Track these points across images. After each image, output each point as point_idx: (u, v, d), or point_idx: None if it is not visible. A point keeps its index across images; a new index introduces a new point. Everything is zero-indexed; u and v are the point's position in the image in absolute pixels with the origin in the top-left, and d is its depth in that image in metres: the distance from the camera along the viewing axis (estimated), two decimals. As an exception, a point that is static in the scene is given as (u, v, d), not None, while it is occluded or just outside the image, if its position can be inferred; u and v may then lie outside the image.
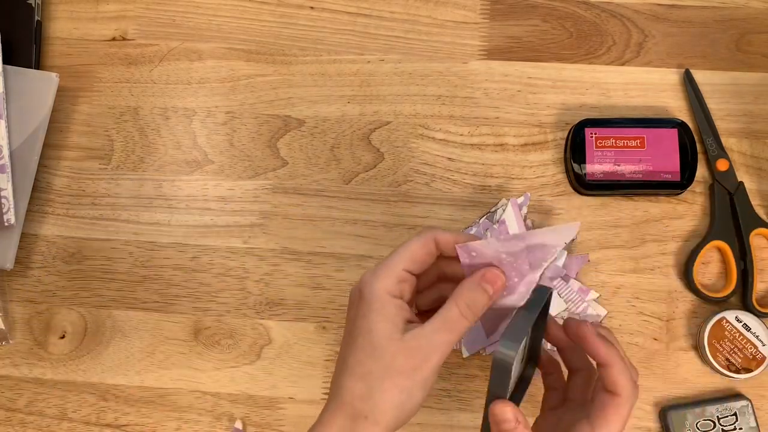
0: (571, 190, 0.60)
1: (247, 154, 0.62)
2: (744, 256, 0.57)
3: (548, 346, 0.54)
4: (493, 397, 0.41)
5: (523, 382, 0.47)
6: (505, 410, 0.40)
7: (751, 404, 0.54)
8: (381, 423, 0.40)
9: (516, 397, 0.46)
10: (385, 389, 0.40)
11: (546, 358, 0.49)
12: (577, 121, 0.59)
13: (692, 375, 0.57)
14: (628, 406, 0.42)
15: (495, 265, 0.42)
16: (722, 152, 0.59)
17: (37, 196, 0.62)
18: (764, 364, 0.55)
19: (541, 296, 0.42)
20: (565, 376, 0.48)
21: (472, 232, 0.58)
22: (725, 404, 0.54)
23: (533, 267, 0.41)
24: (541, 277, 0.42)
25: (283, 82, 0.63)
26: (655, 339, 0.57)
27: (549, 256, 0.41)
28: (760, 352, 0.55)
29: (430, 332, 0.41)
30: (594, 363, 0.44)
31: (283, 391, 0.58)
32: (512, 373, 0.40)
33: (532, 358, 0.48)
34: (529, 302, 0.42)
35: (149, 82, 0.64)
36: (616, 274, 0.58)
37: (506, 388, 0.40)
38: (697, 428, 0.54)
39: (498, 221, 0.58)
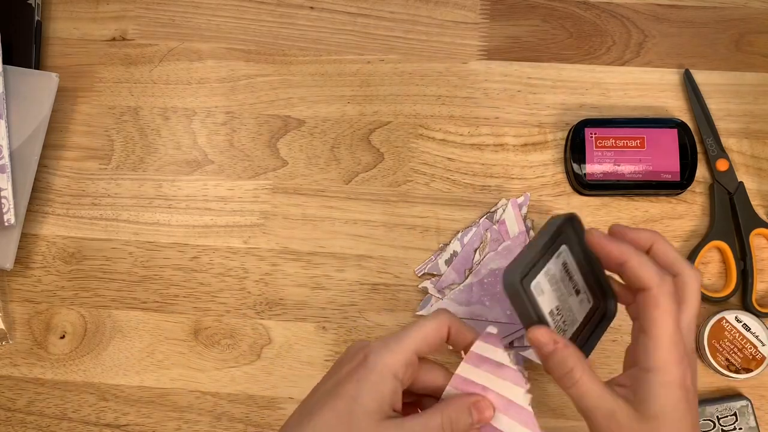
0: (571, 190, 0.60)
1: (247, 154, 0.62)
2: (744, 256, 0.57)
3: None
4: (526, 324, 0.40)
5: (605, 320, 0.45)
6: (538, 333, 0.38)
7: (751, 404, 0.54)
8: None
9: (591, 336, 0.44)
10: None
11: (620, 289, 0.44)
12: (577, 121, 0.59)
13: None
14: (664, 299, 0.38)
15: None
16: (722, 152, 0.59)
17: (37, 196, 0.62)
18: (764, 364, 0.55)
19: (554, 222, 0.41)
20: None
21: (472, 232, 0.58)
22: (725, 404, 0.54)
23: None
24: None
25: (283, 82, 0.63)
26: (655, 339, 0.57)
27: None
28: (759, 352, 0.55)
29: (408, 430, 0.38)
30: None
31: (283, 391, 0.58)
32: (531, 297, 0.39)
33: (601, 290, 0.45)
34: (541, 230, 0.41)
35: (149, 82, 0.64)
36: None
37: (533, 313, 0.39)
38: (697, 428, 0.54)
39: (498, 221, 0.58)
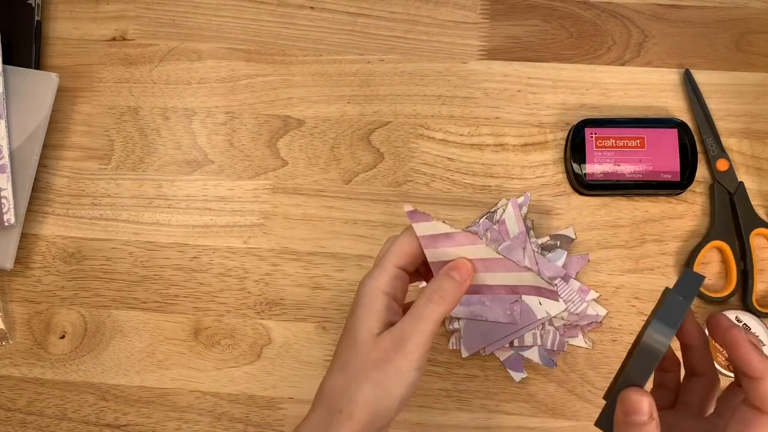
0: (571, 190, 0.60)
1: (247, 154, 0.62)
2: (744, 256, 0.57)
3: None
4: (630, 382, 0.36)
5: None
6: (642, 401, 0.35)
7: (751, 404, 0.54)
8: (355, 417, 0.39)
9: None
10: (359, 382, 0.40)
11: (670, 354, 0.43)
12: (577, 121, 0.59)
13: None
14: None
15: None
16: (722, 152, 0.59)
17: (37, 196, 0.62)
18: (764, 364, 0.55)
19: (694, 282, 0.38)
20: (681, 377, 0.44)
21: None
22: (725, 404, 0.54)
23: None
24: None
25: (283, 82, 0.63)
26: (655, 339, 0.57)
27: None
28: (760, 352, 0.55)
29: (401, 324, 0.40)
30: (733, 373, 0.39)
31: (283, 391, 0.58)
32: (657, 363, 0.36)
33: None
34: (683, 288, 0.37)
35: (149, 82, 0.64)
36: (616, 274, 0.58)
37: (647, 376, 0.36)
38: (697, 428, 0.54)
39: (498, 221, 0.58)
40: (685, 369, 0.43)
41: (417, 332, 0.40)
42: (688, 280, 0.38)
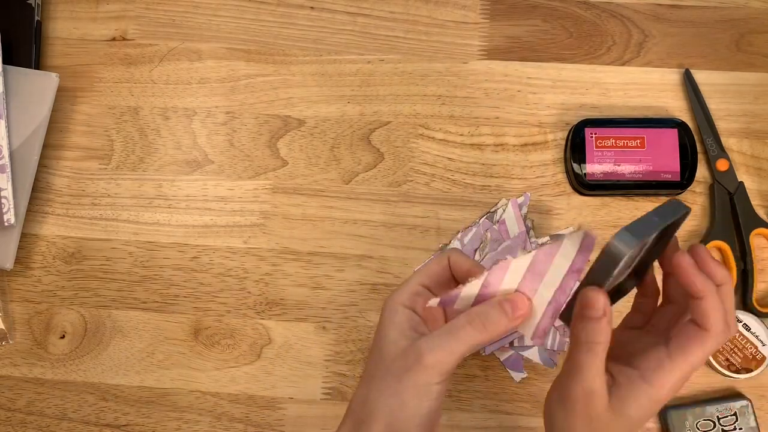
0: (571, 190, 0.60)
1: (247, 154, 0.62)
2: (744, 256, 0.57)
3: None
4: (589, 282, 0.39)
5: (619, 293, 0.45)
6: (598, 298, 0.38)
7: (751, 404, 0.54)
8: (372, 429, 0.39)
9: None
10: (379, 391, 0.40)
11: (651, 280, 0.45)
12: (577, 121, 0.59)
13: (692, 375, 0.56)
14: (712, 345, 0.39)
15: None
16: (722, 152, 0.59)
17: (37, 196, 0.62)
18: (764, 364, 0.55)
19: (675, 210, 0.40)
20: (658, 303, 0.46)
21: (472, 232, 0.58)
22: (725, 404, 0.54)
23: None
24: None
25: (283, 82, 0.63)
26: (655, 339, 0.57)
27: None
28: (760, 352, 0.55)
29: (428, 337, 0.40)
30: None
31: (283, 391, 0.58)
32: (618, 268, 0.38)
33: (638, 273, 0.45)
34: (662, 210, 0.39)
35: (149, 82, 0.64)
36: (616, 274, 0.58)
37: (606, 279, 0.38)
38: (698, 428, 0.54)
39: (498, 221, 0.58)
40: (662, 296, 0.45)
41: (441, 348, 0.39)
42: (673, 207, 0.40)
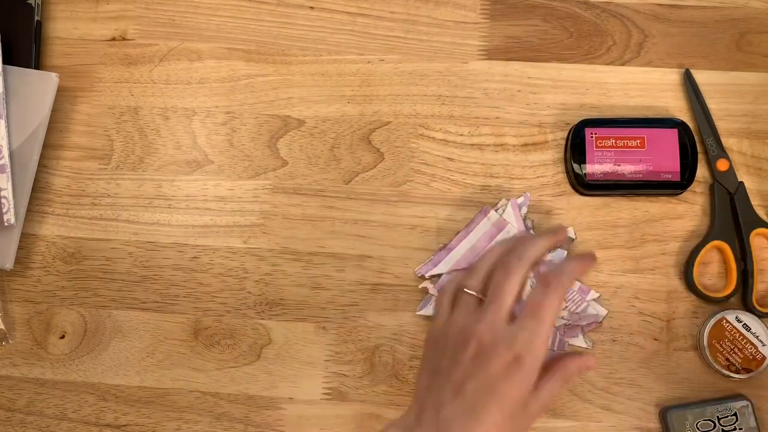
0: (571, 190, 0.60)
1: (247, 154, 0.62)
2: (744, 256, 0.57)
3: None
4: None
5: None
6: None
7: (752, 404, 0.54)
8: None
9: None
10: None
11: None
12: (577, 121, 0.59)
13: (692, 375, 0.57)
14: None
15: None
16: (722, 152, 0.59)
17: (37, 196, 0.62)
18: (764, 364, 0.55)
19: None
20: None
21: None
22: (725, 404, 0.54)
23: None
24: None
25: (283, 82, 0.63)
26: (655, 339, 0.57)
27: None
28: (760, 352, 0.55)
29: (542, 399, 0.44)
30: None
31: (283, 391, 0.58)
32: None
33: None
34: None
35: (149, 82, 0.64)
36: (616, 274, 0.58)
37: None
38: (698, 428, 0.54)
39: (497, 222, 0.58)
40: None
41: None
42: None
